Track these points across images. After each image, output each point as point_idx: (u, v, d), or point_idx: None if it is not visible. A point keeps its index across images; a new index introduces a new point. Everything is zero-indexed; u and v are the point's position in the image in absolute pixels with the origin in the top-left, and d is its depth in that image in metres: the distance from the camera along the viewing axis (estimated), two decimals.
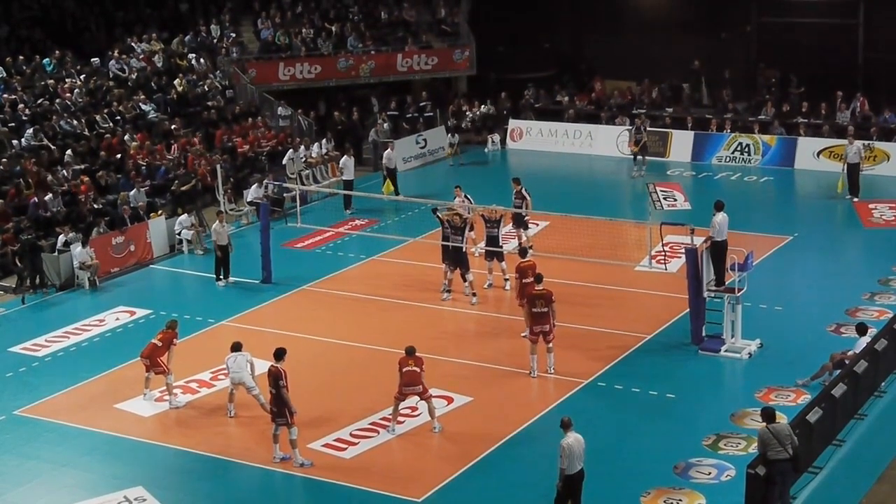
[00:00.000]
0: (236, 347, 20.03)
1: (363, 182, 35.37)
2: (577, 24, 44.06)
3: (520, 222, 27.86)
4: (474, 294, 25.04)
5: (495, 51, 44.18)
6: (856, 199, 31.65)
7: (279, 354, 18.54)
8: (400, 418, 19.56)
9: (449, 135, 39.50)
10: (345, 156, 33.83)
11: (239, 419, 20.16)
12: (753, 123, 38.08)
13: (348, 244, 29.91)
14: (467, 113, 41.67)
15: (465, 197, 27.41)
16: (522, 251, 24.01)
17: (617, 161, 38.23)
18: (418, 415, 19.78)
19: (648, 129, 36.23)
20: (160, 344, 20.86)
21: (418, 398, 19.31)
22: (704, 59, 40.95)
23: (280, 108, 38.73)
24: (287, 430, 18.24)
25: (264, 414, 20.14)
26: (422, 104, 41.87)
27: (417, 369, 18.99)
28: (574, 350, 22.34)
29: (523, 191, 27.77)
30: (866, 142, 35.22)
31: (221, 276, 27.26)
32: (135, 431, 19.78)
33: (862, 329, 20.19)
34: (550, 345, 21.13)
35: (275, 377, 18.25)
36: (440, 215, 25.44)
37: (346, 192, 33.08)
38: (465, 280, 25.14)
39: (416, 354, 19.19)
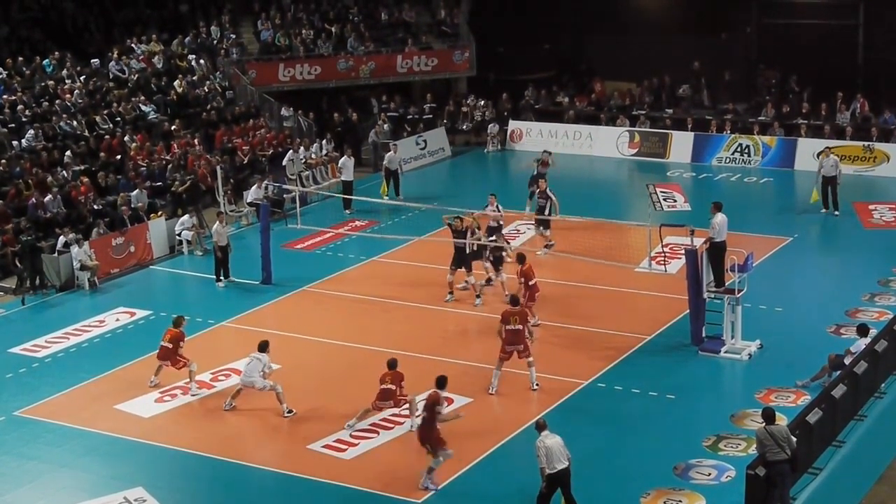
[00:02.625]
0: (262, 348, 20.12)
1: (363, 183, 35.39)
2: (577, 25, 44.09)
3: (542, 222, 27.85)
4: (478, 296, 24.98)
5: (495, 52, 44.20)
6: (825, 211, 30.96)
7: (441, 382, 18.05)
8: (399, 418, 19.61)
9: (490, 126, 40.30)
10: (344, 156, 33.84)
11: (238, 419, 20.17)
12: (753, 124, 38.11)
13: (348, 245, 29.91)
14: (469, 111, 41.66)
15: (497, 207, 26.95)
16: (520, 256, 23.62)
17: (617, 162, 38.29)
18: (418, 415, 19.76)
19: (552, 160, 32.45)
20: (171, 345, 21.09)
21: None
22: (704, 60, 40.99)
23: (283, 110, 38.77)
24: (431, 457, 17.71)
25: (265, 413, 20.21)
26: (426, 105, 41.88)
27: (393, 387, 19.02)
28: (574, 351, 22.34)
29: (548, 190, 27.89)
30: (866, 143, 35.30)
31: (221, 277, 27.26)
32: (135, 432, 19.77)
33: (863, 330, 20.17)
34: (531, 359, 20.73)
35: (433, 402, 17.67)
36: (446, 219, 25.42)
37: (345, 194, 32.98)
38: (467, 281, 25.12)
39: (397, 369, 19.20)
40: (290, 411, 20.08)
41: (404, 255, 28.50)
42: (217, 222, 27.58)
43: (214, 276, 27.30)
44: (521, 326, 20.56)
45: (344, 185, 33.46)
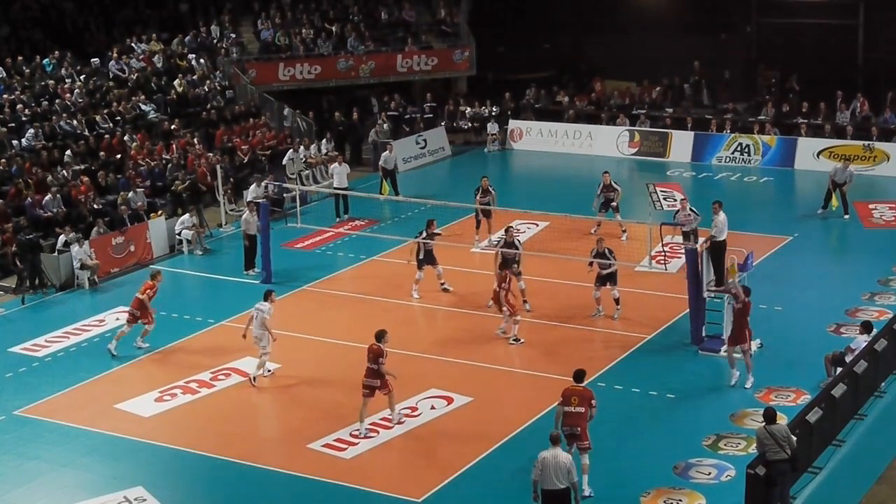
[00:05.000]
0: (264, 297, 21.63)
1: (363, 182, 35.40)
2: (577, 25, 44.09)
3: (614, 209, 28.36)
4: (525, 301, 24.46)
5: (495, 51, 44.21)
6: (821, 211, 30.90)
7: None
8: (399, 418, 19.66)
9: (490, 125, 40.33)
10: (335, 163, 33.28)
11: (238, 419, 20.18)
12: (753, 124, 38.12)
13: (348, 244, 29.91)
14: (467, 112, 41.65)
15: (692, 210, 26.25)
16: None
17: (617, 161, 38.24)
18: (418, 415, 19.79)
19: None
20: (144, 297, 22.99)
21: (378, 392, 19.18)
22: (704, 60, 41.00)
23: (286, 109, 38.75)
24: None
25: (265, 413, 20.25)
26: (426, 105, 41.87)
27: (375, 366, 18.92)
28: (574, 350, 22.32)
29: (613, 182, 28.58)
30: (866, 142, 35.32)
31: (255, 266, 27.69)
32: (135, 431, 19.77)
33: (867, 327, 20.20)
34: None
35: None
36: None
37: (336, 201, 32.28)
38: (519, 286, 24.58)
39: (378, 344, 19.03)
40: (253, 379, 21.34)
41: (404, 254, 28.41)
42: (246, 211, 27.91)
43: (244, 266, 27.80)
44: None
45: (336, 192, 32.46)
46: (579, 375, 17.42)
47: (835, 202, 30.75)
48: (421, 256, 25.35)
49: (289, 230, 30.02)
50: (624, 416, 19.69)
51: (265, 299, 21.57)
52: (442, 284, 25.61)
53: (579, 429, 16.85)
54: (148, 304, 23.10)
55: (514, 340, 22.66)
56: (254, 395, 21.09)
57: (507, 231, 24.88)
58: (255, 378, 21.32)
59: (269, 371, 21.69)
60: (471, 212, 28.85)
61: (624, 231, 28.72)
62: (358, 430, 19.19)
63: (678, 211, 26.19)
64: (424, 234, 25.37)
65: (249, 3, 42.64)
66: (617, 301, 23.64)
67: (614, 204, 28.72)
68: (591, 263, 23.72)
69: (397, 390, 19.47)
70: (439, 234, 26.05)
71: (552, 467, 15.18)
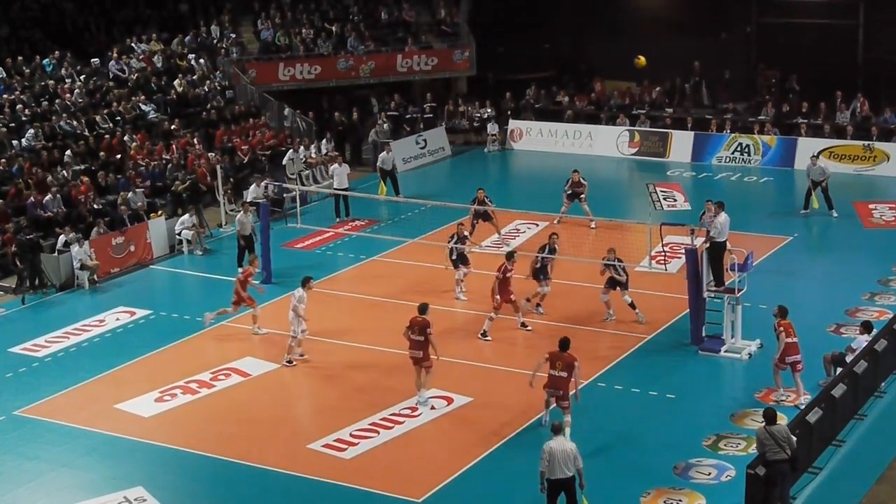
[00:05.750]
0: (302, 283, 22.29)
1: (363, 182, 35.39)
2: (577, 25, 44.07)
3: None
4: (538, 305, 24.45)
5: (495, 51, 44.21)
6: (804, 212, 30.95)
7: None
8: (399, 418, 19.66)
9: (490, 125, 40.41)
10: (335, 164, 33.20)
11: (238, 419, 20.17)
12: (753, 124, 38.12)
13: (348, 245, 29.91)
14: (474, 113, 41.61)
15: (715, 213, 26.29)
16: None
17: (617, 161, 38.30)
18: (418, 415, 19.80)
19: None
20: (238, 285, 23.63)
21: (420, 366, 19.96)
22: (704, 60, 41.00)
23: (286, 109, 38.75)
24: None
25: (265, 413, 20.24)
26: (426, 105, 41.85)
27: (422, 338, 19.73)
28: (574, 351, 22.27)
29: (582, 179, 29.43)
30: (866, 142, 35.31)
31: (244, 264, 27.48)
32: (135, 431, 19.77)
33: (868, 327, 20.20)
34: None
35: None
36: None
37: (336, 202, 32.18)
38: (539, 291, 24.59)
39: (423, 317, 19.92)
40: (289, 361, 21.94)
41: (404, 254, 28.50)
42: (241, 212, 27.97)
43: (237, 263, 27.61)
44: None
45: (335, 193, 32.32)
46: (564, 343, 18.50)
47: (815, 202, 30.80)
48: (454, 257, 25.41)
49: (289, 230, 30.03)
50: (624, 416, 19.71)
51: (302, 286, 22.18)
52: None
53: (562, 391, 18.23)
54: (242, 289, 23.61)
55: (481, 334, 23.15)
56: (253, 396, 21.07)
57: (550, 238, 24.50)
58: (290, 361, 22.03)
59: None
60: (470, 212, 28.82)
61: (592, 220, 29.66)
62: (418, 400, 19.99)
63: (704, 213, 26.08)
64: (456, 238, 25.38)
65: (249, 3, 42.63)
66: (633, 305, 23.52)
67: (583, 196, 29.57)
68: (602, 272, 23.67)
69: (410, 385, 19.85)
70: (468, 238, 26.07)
71: (560, 456, 15.49)
